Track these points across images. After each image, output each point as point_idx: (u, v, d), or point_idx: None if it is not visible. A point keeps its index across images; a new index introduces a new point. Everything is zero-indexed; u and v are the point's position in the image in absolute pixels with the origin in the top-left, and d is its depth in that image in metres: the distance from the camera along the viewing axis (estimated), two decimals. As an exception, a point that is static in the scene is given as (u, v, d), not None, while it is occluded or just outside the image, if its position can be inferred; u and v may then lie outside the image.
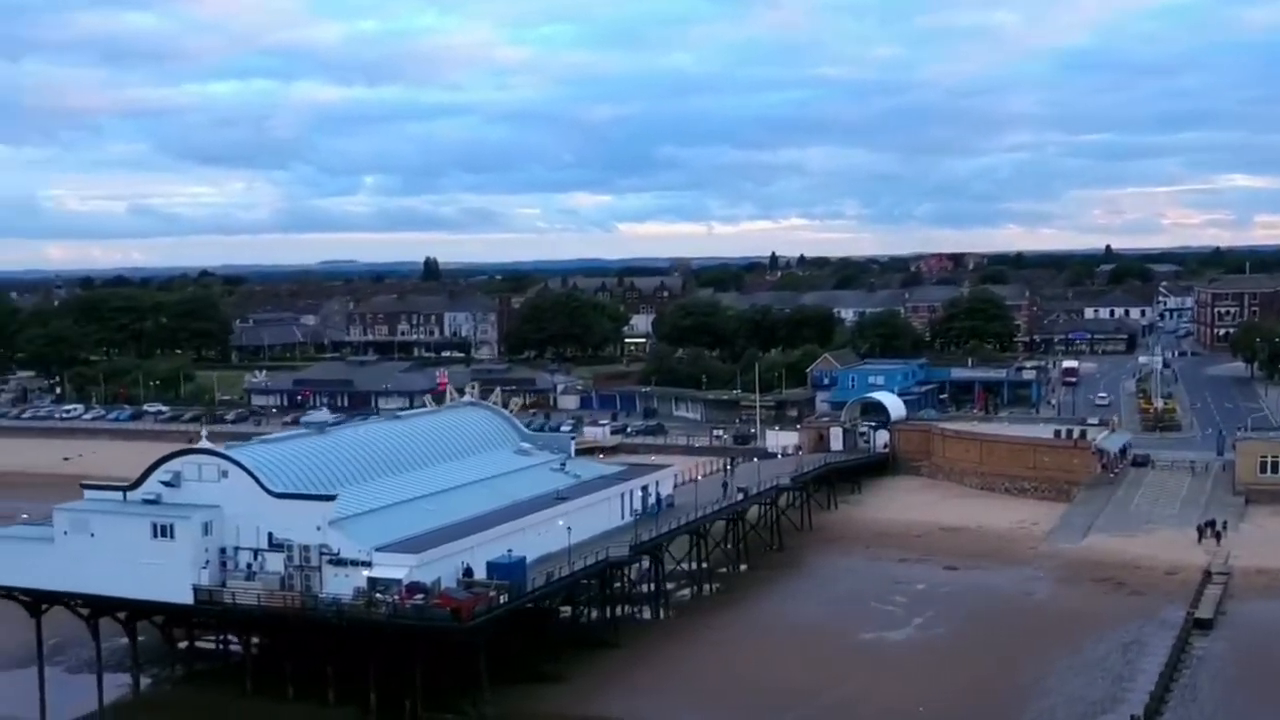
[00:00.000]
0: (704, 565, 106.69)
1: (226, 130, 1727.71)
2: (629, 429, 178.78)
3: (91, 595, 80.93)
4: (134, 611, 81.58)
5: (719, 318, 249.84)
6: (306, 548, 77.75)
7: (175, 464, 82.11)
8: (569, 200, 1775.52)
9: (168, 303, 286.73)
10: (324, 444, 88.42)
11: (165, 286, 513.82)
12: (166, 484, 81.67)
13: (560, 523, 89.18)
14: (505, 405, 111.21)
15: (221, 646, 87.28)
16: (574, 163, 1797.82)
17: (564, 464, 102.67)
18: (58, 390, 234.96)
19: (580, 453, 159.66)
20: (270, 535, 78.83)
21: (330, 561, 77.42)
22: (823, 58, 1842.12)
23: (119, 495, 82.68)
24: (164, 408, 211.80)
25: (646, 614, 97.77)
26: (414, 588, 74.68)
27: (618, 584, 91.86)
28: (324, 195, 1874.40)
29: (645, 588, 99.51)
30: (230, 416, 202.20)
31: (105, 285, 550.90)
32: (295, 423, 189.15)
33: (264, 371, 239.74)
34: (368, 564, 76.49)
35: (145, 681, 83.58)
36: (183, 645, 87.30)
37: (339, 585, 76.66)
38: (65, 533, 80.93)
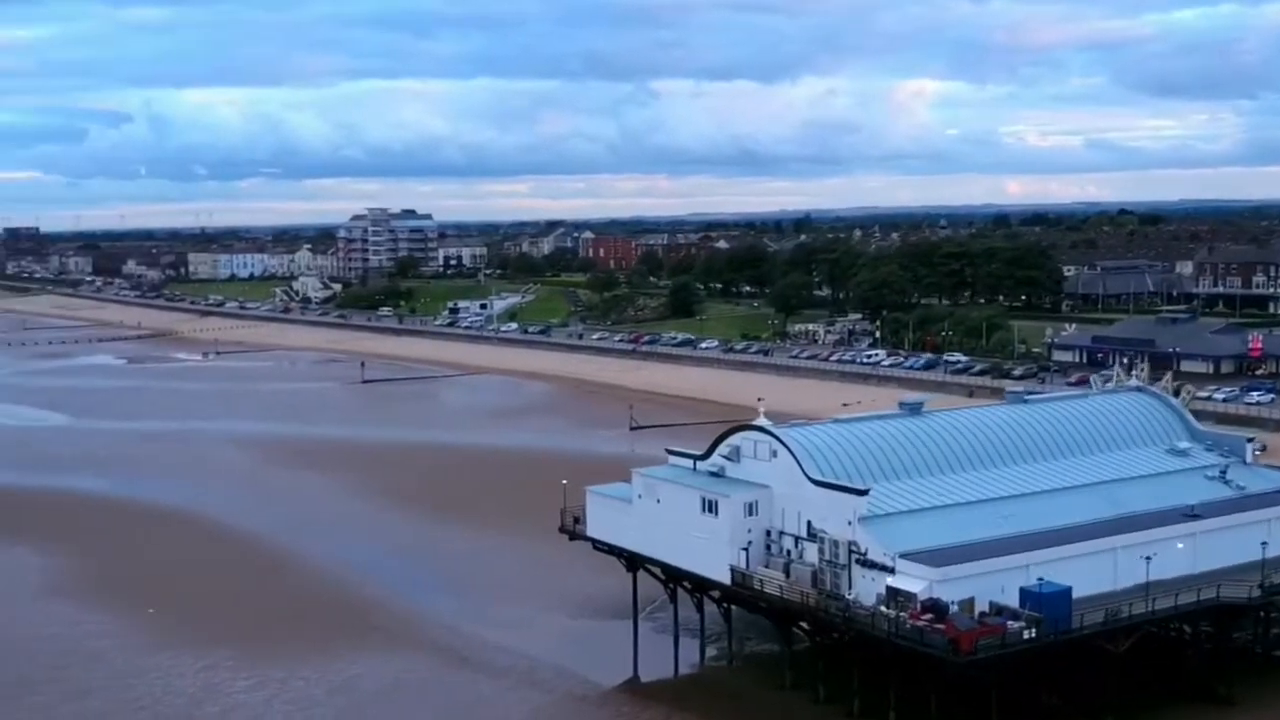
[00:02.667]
0: None
1: (1188, 59, 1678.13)
2: None
3: (660, 561, 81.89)
4: (698, 583, 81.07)
5: None
6: (837, 543, 72.01)
7: (736, 439, 79.97)
8: None
9: (999, 249, 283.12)
10: (901, 429, 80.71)
11: (1083, 222, 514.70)
12: (727, 458, 79.96)
13: (1179, 545, 74.22)
14: (1175, 392, 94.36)
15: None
16: None
17: (1224, 471, 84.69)
18: (876, 335, 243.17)
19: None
20: (809, 524, 74.11)
21: (859, 561, 71.01)
22: None
23: (690, 464, 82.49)
24: (961, 358, 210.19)
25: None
26: (930, 605, 66.01)
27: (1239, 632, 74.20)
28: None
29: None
30: (1017, 371, 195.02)
31: (1023, 223, 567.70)
32: (1081, 383, 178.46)
33: (1073, 325, 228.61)
34: (891, 570, 68.99)
35: (710, 653, 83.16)
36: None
37: (866, 588, 70.11)
38: (639, 496, 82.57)
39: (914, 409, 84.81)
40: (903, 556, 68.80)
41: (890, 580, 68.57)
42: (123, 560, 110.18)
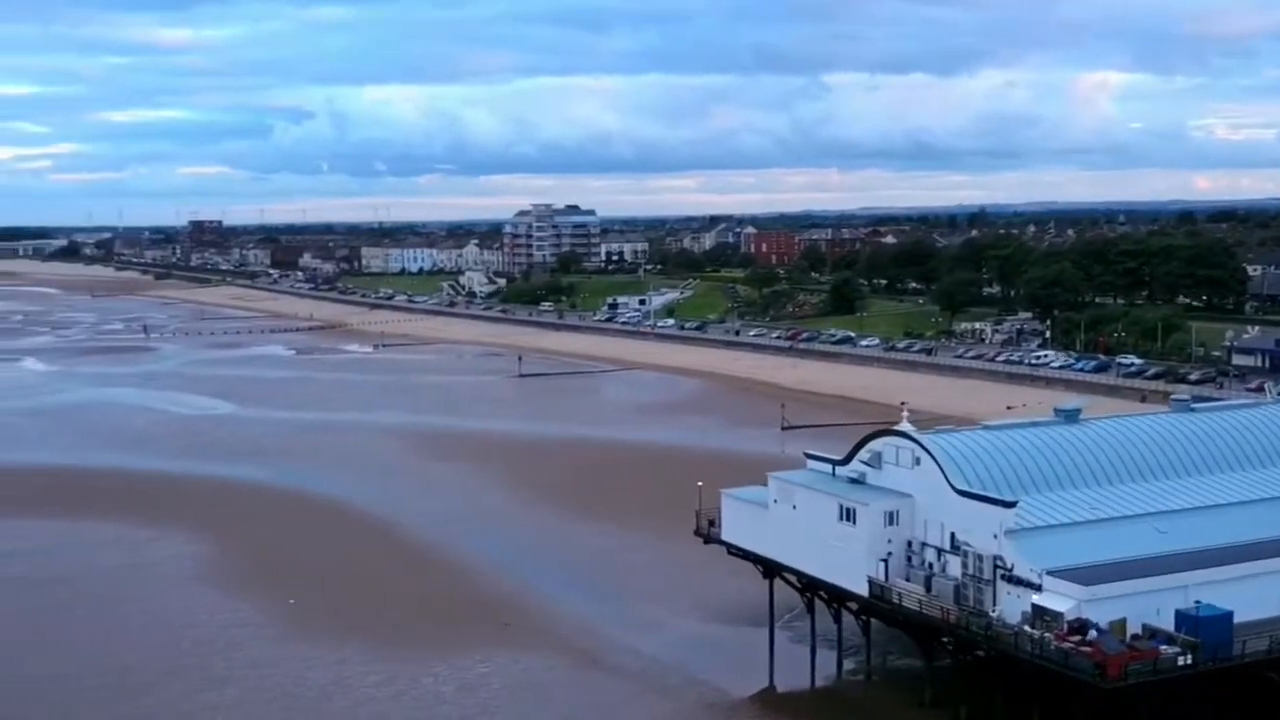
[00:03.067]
0: None
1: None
2: None
3: (796, 569, 79.21)
4: (835, 594, 78.14)
5: None
6: (981, 556, 68.45)
7: (877, 444, 76.74)
8: None
9: (1178, 247, 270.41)
10: (1054, 437, 76.34)
11: (1275, 218, 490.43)
12: (867, 464, 76.80)
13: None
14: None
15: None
16: None
17: None
18: (1046, 335, 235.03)
19: None
20: (953, 536, 70.66)
21: (1004, 577, 67.35)
22: None
23: (829, 469, 79.59)
24: (1135, 360, 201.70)
25: None
26: (1077, 625, 62.14)
27: None
28: None
29: None
30: (1194, 376, 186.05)
31: (1210, 219, 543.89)
32: (1259, 389, 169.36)
33: (1256, 327, 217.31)
34: (1038, 587, 65.22)
35: (848, 666, 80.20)
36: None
37: (1011, 606, 66.37)
38: (775, 501, 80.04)
39: (1070, 416, 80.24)
40: (1050, 573, 64.89)
41: (1036, 598, 64.80)
42: (271, 549, 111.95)
